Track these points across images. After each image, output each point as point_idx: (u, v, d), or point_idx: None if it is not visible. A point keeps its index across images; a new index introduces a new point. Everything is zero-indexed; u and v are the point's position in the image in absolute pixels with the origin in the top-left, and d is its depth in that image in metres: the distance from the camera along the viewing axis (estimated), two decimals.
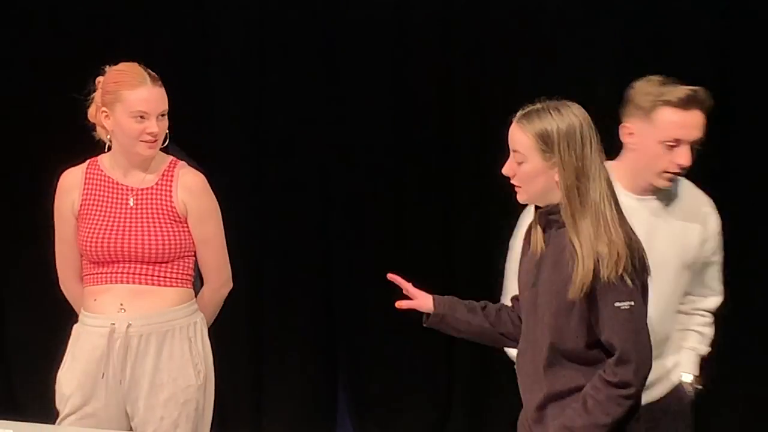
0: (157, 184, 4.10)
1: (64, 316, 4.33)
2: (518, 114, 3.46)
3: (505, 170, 3.48)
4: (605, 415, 3.39)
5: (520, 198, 3.51)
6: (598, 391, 3.39)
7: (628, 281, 3.35)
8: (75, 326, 4.17)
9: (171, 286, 4.09)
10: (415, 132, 5.34)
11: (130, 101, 4.00)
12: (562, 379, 3.45)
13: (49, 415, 4.17)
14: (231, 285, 4.26)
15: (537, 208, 3.51)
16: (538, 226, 3.49)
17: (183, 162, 4.18)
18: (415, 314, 3.68)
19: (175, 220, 4.09)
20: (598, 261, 3.33)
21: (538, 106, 3.44)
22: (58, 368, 4.17)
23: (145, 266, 4.06)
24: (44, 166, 4.75)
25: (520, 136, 3.44)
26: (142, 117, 4.00)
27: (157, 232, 4.06)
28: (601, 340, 3.39)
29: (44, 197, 4.44)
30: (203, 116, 5.65)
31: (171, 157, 4.17)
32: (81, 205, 4.13)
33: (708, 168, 4.11)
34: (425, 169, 5.57)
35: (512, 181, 3.49)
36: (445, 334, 3.70)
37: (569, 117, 3.40)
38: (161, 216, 4.08)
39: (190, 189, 4.11)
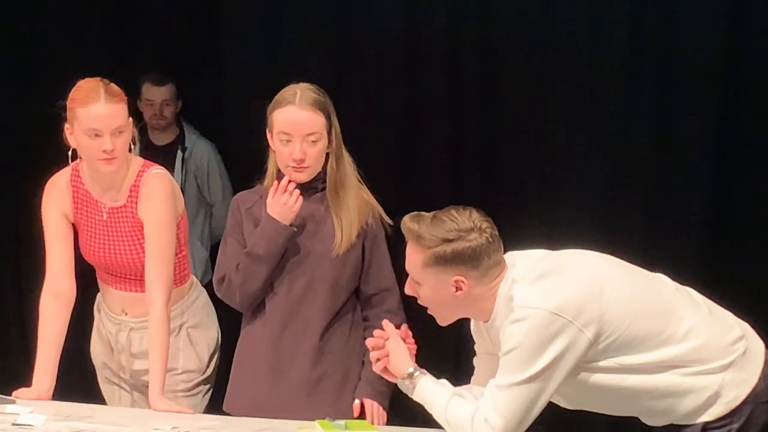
0: (127, 201, 4.05)
1: (83, 295, 4.35)
2: None
3: None
4: None
5: None
6: None
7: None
8: (97, 301, 4.28)
9: None
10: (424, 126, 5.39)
11: (82, 119, 3.93)
12: None
13: (68, 394, 4.18)
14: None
15: None
16: None
17: (155, 166, 4.09)
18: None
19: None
20: None
21: None
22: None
23: (133, 278, 4.10)
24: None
25: None
26: (96, 135, 3.92)
27: (129, 248, 4.05)
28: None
29: None
30: (217, 106, 5.70)
31: (140, 165, 4.08)
32: (74, 215, 4.12)
33: None
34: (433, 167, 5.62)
35: None
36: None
37: None
38: (131, 233, 4.05)
39: (147, 196, 4.02)
